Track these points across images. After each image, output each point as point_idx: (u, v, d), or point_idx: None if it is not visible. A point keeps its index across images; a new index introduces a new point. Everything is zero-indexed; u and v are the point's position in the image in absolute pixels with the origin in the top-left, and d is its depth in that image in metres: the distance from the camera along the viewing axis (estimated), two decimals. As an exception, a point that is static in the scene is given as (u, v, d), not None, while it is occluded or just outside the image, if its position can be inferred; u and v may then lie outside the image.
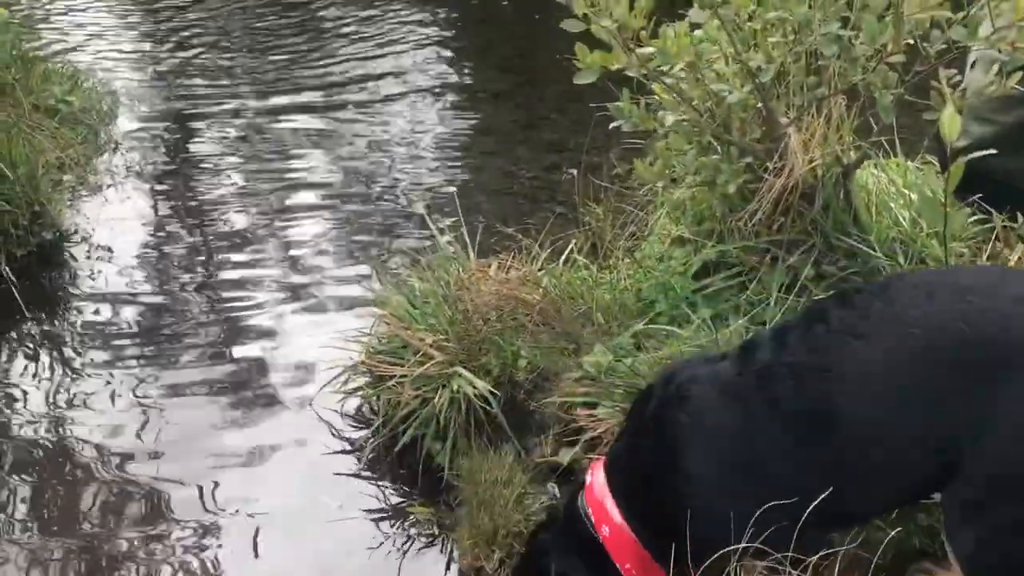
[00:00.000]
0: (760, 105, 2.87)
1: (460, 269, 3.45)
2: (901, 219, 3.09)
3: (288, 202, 4.97)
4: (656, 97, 2.97)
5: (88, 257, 4.52)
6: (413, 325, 3.34)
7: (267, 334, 4.03)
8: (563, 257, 3.47)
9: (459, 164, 5.36)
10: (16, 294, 3.85)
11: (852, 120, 3.05)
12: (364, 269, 4.36)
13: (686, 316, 3.00)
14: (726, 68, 2.84)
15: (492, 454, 2.88)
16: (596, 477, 2.13)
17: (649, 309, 3.10)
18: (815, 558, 1.95)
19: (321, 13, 7.50)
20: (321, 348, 3.82)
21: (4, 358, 3.89)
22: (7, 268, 3.91)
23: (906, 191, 3.09)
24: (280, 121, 5.83)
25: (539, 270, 3.38)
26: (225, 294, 4.27)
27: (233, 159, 5.39)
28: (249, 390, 3.72)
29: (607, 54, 2.60)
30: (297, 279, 4.38)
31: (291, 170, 5.28)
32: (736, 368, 2.01)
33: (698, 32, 2.80)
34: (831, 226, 3.01)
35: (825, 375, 1.89)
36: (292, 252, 4.59)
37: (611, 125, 2.90)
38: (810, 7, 2.58)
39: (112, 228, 4.73)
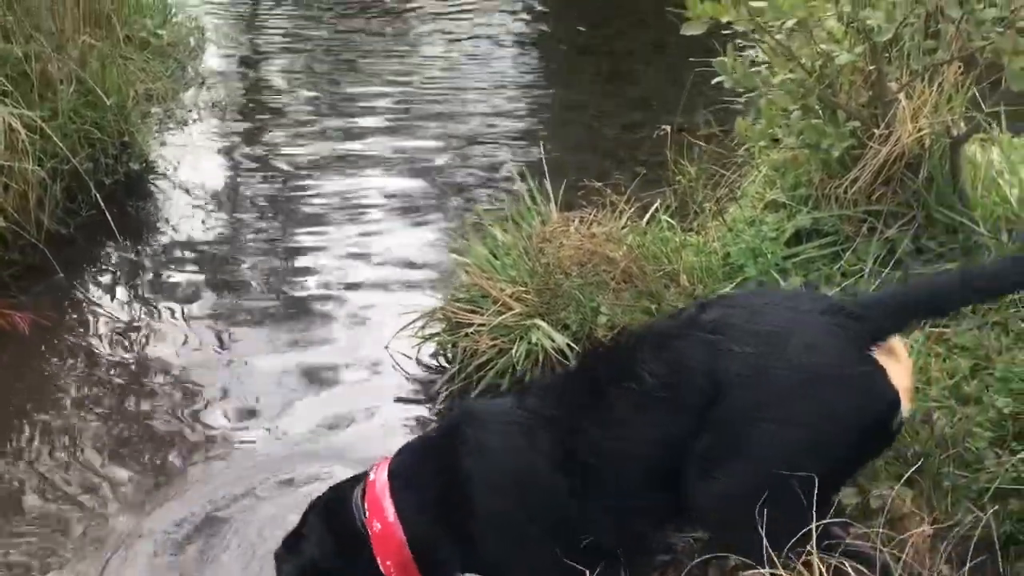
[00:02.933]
0: (871, 68, 2.76)
1: (542, 222, 3.42)
2: (1009, 197, 2.96)
3: (364, 149, 4.96)
4: (756, 56, 2.88)
5: (171, 190, 4.58)
6: (494, 275, 3.31)
7: (340, 278, 4.02)
8: (647, 216, 3.41)
9: (540, 118, 5.30)
10: (111, 222, 3.91)
11: (966, 91, 2.93)
12: (442, 217, 4.34)
13: (775, 283, 2.93)
14: (837, 27, 2.73)
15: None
16: (379, 476, 2.23)
17: (737, 273, 3.03)
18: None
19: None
20: (398, 293, 3.84)
21: (95, 282, 3.97)
22: (97, 195, 3.96)
23: (1018, 168, 2.95)
24: (359, 68, 5.82)
25: (623, 228, 3.33)
26: (298, 235, 4.28)
27: (312, 105, 5.41)
28: (321, 329, 3.74)
29: (717, 4, 2.51)
30: (371, 225, 4.36)
31: (368, 114, 5.27)
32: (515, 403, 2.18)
33: (811, -12, 2.69)
34: (934, 199, 2.91)
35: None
36: (366, 199, 4.58)
37: (713, 81, 2.82)
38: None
39: (193, 163, 4.78)
